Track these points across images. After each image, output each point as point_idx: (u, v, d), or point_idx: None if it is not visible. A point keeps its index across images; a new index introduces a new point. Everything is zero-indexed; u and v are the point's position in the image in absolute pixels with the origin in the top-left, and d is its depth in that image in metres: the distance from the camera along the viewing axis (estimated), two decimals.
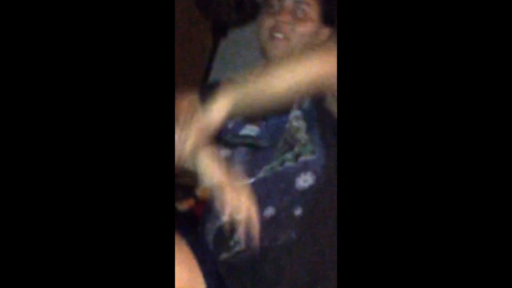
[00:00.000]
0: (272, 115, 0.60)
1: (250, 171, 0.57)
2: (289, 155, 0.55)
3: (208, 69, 1.30)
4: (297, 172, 0.54)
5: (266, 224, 0.53)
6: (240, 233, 0.51)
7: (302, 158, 0.54)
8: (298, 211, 0.52)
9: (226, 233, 0.54)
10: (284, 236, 0.53)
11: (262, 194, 0.55)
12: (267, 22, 0.60)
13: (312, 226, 0.52)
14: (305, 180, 0.54)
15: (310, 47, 0.59)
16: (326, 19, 0.62)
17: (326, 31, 0.63)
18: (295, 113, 0.57)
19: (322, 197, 0.53)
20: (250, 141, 0.62)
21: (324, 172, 0.53)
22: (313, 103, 0.57)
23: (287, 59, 0.55)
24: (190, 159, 0.50)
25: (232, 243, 0.54)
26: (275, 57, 0.59)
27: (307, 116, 0.56)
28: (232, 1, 1.20)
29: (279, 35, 0.59)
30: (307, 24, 0.60)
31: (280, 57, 0.59)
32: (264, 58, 0.62)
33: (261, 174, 0.57)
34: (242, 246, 0.53)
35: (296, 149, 0.55)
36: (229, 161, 0.59)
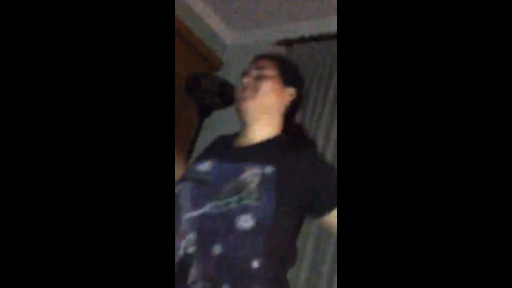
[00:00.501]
0: (228, 161, 0.67)
1: (196, 205, 0.62)
2: (234, 199, 0.60)
3: (193, 142, 1.51)
4: (238, 213, 0.59)
5: (213, 266, 0.58)
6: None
7: (245, 202, 0.59)
8: (240, 252, 0.57)
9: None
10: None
11: (211, 229, 0.60)
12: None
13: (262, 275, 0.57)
14: (245, 220, 0.58)
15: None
16: (287, 81, 0.74)
17: (289, 92, 0.74)
18: (254, 170, 0.63)
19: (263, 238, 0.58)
20: (198, 176, 0.67)
21: (266, 218, 0.58)
22: (275, 173, 0.62)
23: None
24: None
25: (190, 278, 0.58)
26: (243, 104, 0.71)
27: (264, 179, 0.62)
28: (213, 88, 1.44)
29: (245, 85, 0.71)
30: (272, 80, 0.72)
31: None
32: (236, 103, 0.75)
33: (206, 209, 0.61)
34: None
35: (242, 194, 0.60)
36: (178, 196, 0.65)
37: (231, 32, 1.91)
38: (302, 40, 1.56)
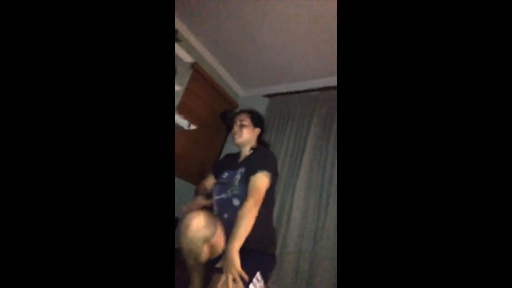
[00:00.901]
0: (232, 169, 1.19)
1: (219, 194, 1.15)
2: (229, 191, 1.11)
3: (222, 145, 2.68)
4: (232, 197, 1.09)
5: (225, 223, 1.02)
6: None
7: (234, 192, 1.09)
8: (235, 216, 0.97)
9: None
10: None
11: (222, 205, 1.10)
12: (233, 130, 1.28)
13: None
14: (236, 202, 1.08)
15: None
16: (255, 124, 1.28)
17: (257, 130, 1.29)
18: (239, 173, 1.14)
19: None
20: (222, 180, 1.20)
21: (243, 199, 1.02)
22: (244, 173, 1.10)
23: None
24: None
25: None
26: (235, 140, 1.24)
27: (241, 177, 1.11)
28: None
29: (235, 131, 1.25)
30: (247, 127, 1.25)
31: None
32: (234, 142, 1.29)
33: (222, 196, 1.14)
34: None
35: (232, 188, 1.10)
36: (213, 190, 1.19)
37: (242, 89, 3.19)
38: (276, 94, 2.73)
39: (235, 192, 1.09)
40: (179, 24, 2.38)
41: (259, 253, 0.99)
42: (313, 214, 2.10)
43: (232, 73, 2.98)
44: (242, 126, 1.28)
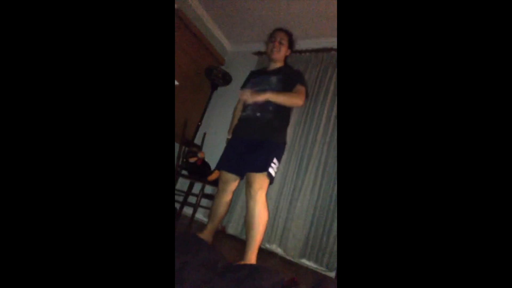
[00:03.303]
0: (265, 74, 1.45)
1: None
2: (267, 86, 1.36)
3: (206, 106, 2.60)
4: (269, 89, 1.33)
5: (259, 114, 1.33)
6: None
7: (272, 87, 1.34)
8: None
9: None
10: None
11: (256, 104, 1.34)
12: (269, 47, 1.45)
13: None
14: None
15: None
16: (290, 46, 1.46)
17: (289, 51, 1.47)
18: (274, 76, 1.39)
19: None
20: (258, 80, 1.45)
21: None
22: (281, 78, 1.36)
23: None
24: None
25: None
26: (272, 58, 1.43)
27: (278, 78, 1.39)
28: (220, 74, 2.54)
29: (274, 45, 1.41)
30: (285, 46, 1.43)
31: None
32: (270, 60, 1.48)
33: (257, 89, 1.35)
34: None
35: (271, 84, 1.36)
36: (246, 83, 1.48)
37: (230, 44, 3.01)
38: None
39: (273, 87, 1.33)
40: None
41: (281, 144, 1.35)
42: (292, 176, 2.17)
43: (221, 26, 2.79)
44: (281, 43, 1.43)
